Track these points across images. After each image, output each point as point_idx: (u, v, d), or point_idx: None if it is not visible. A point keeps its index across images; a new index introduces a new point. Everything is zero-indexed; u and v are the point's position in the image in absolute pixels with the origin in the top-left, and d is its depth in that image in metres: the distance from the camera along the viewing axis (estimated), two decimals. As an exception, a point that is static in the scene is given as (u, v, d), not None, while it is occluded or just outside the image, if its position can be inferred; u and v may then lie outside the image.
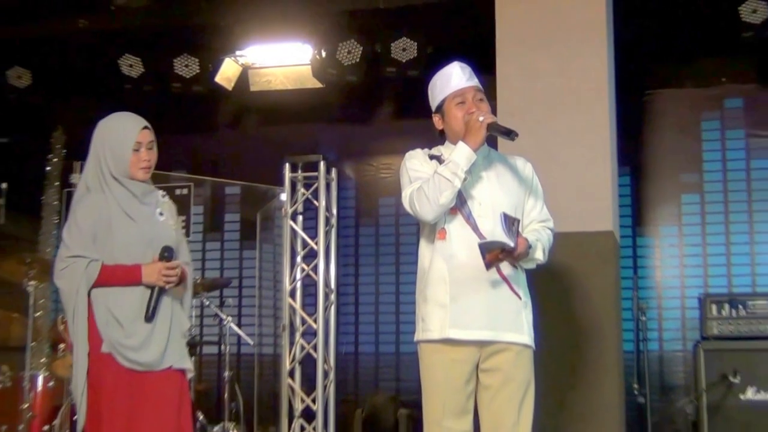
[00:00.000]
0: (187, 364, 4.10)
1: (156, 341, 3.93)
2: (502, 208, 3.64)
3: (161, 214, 4.12)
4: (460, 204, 3.64)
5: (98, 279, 3.89)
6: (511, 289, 3.65)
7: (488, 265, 3.52)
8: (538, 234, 3.76)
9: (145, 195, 4.08)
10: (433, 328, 3.69)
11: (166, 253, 3.94)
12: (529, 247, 3.63)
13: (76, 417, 4.02)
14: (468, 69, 3.82)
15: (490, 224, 3.60)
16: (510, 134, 3.59)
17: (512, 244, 3.49)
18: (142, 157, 4.01)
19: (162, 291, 3.94)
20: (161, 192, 4.22)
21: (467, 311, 3.62)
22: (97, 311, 3.91)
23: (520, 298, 3.68)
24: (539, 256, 3.73)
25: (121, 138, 4.01)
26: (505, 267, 3.62)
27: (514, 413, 3.65)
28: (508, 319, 3.64)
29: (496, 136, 3.71)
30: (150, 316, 3.90)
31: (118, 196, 3.99)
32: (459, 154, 3.55)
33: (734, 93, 7.39)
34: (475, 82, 3.80)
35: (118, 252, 3.94)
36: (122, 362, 3.87)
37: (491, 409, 3.69)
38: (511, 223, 3.56)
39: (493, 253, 3.51)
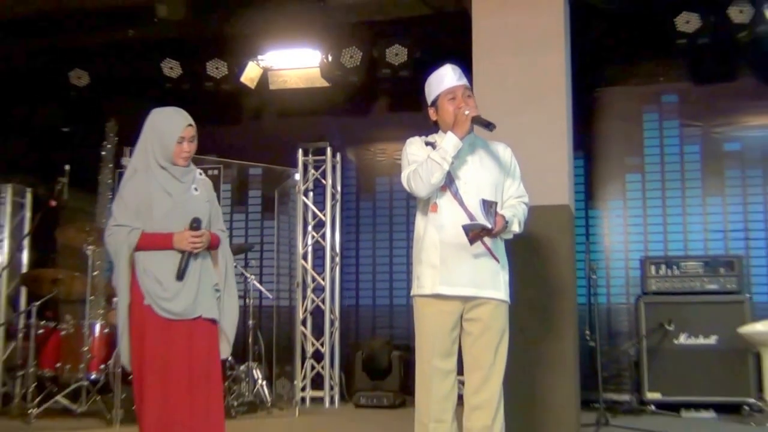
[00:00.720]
0: (215, 314, 4.07)
1: (185, 294, 3.93)
2: (484, 187, 3.67)
3: (196, 189, 4.10)
4: (449, 183, 3.66)
5: (138, 244, 3.93)
6: (491, 254, 3.66)
7: (471, 241, 3.54)
8: (515, 209, 3.76)
9: (183, 175, 4.07)
10: (426, 285, 3.71)
11: (195, 224, 3.94)
12: (506, 223, 3.63)
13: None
14: (458, 70, 3.82)
15: (473, 200, 3.61)
16: (489, 126, 3.62)
17: (489, 225, 3.51)
18: (184, 148, 4.00)
19: (191, 254, 3.95)
20: (198, 170, 4.19)
21: (454, 271, 3.64)
22: (140, 271, 3.93)
23: (498, 261, 3.70)
24: (516, 228, 3.74)
25: (169, 131, 4.00)
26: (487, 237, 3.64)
27: (491, 355, 3.67)
28: (488, 278, 3.67)
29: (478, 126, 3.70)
30: (180, 275, 3.91)
31: (159, 177, 3.99)
32: (448, 142, 3.59)
33: (670, 90, 7.39)
34: (464, 81, 3.80)
35: (157, 222, 3.95)
36: (159, 312, 3.90)
37: (472, 352, 3.71)
38: (489, 206, 3.56)
39: (474, 232, 3.52)
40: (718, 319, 6.32)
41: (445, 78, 3.79)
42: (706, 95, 7.29)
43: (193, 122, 4.07)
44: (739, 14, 6.28)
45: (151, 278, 3.92)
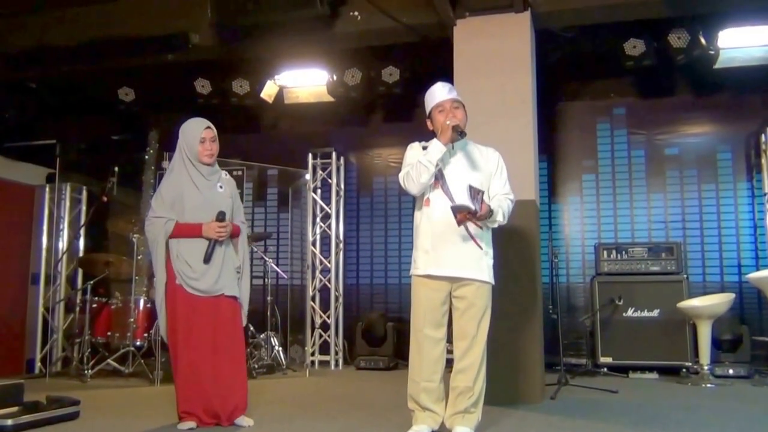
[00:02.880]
0: (236, 292, 4.14)
1: (209, 276, 4.01)
2: (472, 185, 3.64)
3: (221, 187, 4.19)
4: (441, 181, 3.69)
5: (173, 232, 4.02)
6: (475, 242, 3.66)
7: (459, 222, 3.56)
8: (500, 202, 3.74)
9: (210, 174, 4.16)
10: (420, 266, 3.74)
11: (220, 216, 4.02)
12: (491, 212, 3.63)
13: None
14: (448, 85, 3.85)
15: (460, 196, 3.61)
16: (461, 134, 3.64)
17: (473, 207, 3.52)
18: (206, 147, 4.12)
19: (216, 242, 4.02)
20: (224, 172, 4.30)
21: (442, 256, 3.66)
22: (173, 255, 4.02)
23: (481, 248, 3.69)
24: (500, 219, 3.73)
25: (192, 135, 4.13)
26: (472, 226, 3.64)
27: (473, 328, 3.68)
28: (471, 262, 3.67)
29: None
30: (207, 260, 3.98)
31: (191, 174, 4.10)
32: (433, 148, 3.65)
33: (619, 104, 7.37)
34: (453, 95, 3.81)
35: (188, 214, 4.05)
36: (188, 290, 3.99)
37: (459, 324, 3.72)
38: (475, 192, 3.56)
39: (461, 214, 3.53)
40: (660, 296, 6.29)
41: (436, 94, 3.81)
42: (649, 108, 7.27)
43: (211, 126, 4.20)
44: (677, 40, 6.26)
45: (182, 261, 4.00)
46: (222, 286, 4.05)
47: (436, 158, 3.60)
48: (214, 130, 4.19)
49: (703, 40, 6.24)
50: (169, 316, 4.04)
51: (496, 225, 3.77)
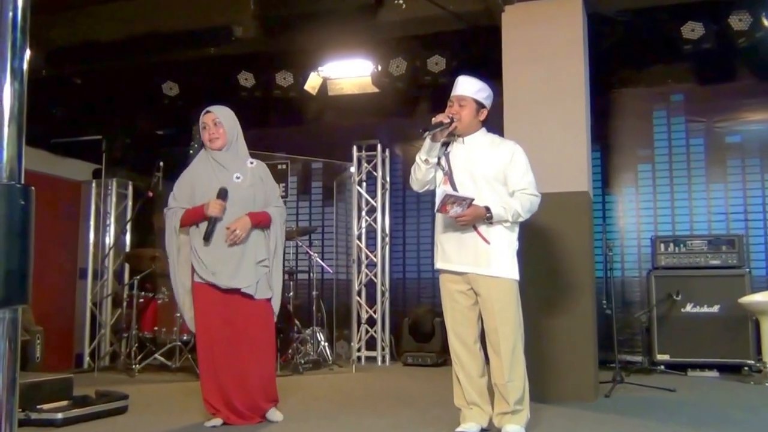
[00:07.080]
0: (252, 291, 3.99)
1: (227, 269, 3.93)
2: (478, 180, 3.68)
3: (237, 177, 4.05)
4: (450, 176, 3.72)
5: (182, 220, 3.99)
6: (481, 236, 3.63)
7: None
8: (511, 202, 3.66)
9: (227, 162, 4.06)
10: (436, 260, 3.82)
11: (221, 193, 3.95)
12: (489, 215, 3.57)
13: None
14: (461, 80, 3.86)
15: (467, 190, 3.61)
16: (424, 130, 3.68)
17: (437, 210, 3.59)
18: (208, 132, 4.07)
19: (216, 219, 3.92)
20: (250, 161, 4.17)
21: (448, 251, 3.73)
22: (191, 248, 4.01)
23: (488, 243, 3.63)
24: (507, 217, 3.64)
25: (200, 123, 4.13)
26: (480, 223, 3.64)
27: (493, 323, 3.64)
28: (474, 257, 3.64)
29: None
30: (206, 237, 3.90)
31: (206, 163, 4.08)
32: (424, 145, 3.74)
33: (677, 90, 7.18)
34: (459, 91, 3.81)
35: (198, 201, 3.99)
36: (203, 282, 3.96)
37: (483, 316, 3.70)
38: (459, 199, 3.52)
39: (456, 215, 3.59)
40: (720, 291, 6.14)
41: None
42: (709, 94, 7.07)
43: (211, 110, 4.11)
44: (738, 23, 6.08)
45: (197, 257, 3.96)
46: (238, 282, 3.95)
47: (426, 153, 3.70)
48: (216, 113, 4.09)
49: (765, 22, 6.05)
50: (195, 312, 4.05)
51: (506, 222, 3.65)
